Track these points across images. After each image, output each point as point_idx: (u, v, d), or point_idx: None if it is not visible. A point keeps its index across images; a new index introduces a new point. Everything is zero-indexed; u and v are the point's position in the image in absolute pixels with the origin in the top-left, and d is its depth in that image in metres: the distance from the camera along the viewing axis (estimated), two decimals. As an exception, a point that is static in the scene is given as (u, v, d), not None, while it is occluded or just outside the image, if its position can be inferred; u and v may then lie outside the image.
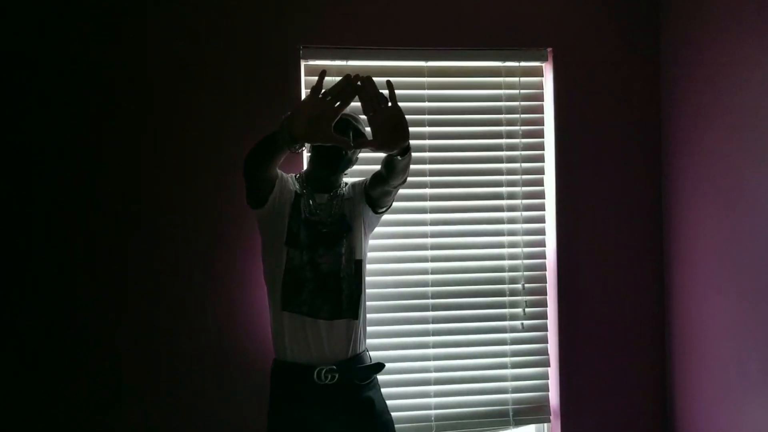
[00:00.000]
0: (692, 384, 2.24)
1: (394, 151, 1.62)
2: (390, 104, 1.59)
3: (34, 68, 2.12)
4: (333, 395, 1.77)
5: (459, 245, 2.34)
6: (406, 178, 1.79)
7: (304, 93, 2.24)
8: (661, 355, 2.38)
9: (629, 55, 2.37)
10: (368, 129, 1.65)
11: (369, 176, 1.89)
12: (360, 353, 1.85)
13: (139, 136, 2.16)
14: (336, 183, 1.90)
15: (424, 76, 2.31)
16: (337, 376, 1.76)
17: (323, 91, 1.53)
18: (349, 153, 1.83)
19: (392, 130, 1.58)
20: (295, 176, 1.92)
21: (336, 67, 2.27)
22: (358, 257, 1.85)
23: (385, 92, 1.60)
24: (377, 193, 1.85)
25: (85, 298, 2.13)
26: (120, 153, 2.16)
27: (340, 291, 1.81)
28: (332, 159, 1.81)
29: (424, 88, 2.32)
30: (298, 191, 1.85)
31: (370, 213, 1.90)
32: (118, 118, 2.15)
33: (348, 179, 1.98)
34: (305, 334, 1.78)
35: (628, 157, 2.37)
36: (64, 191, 2.13)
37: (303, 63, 2.25)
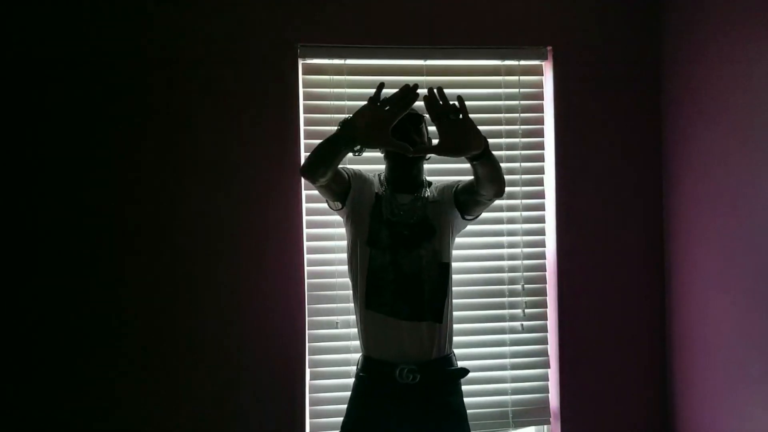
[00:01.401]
0: (693, 385, 2.23)
1: (461, 156, 1.62)
2: (461, 116, 1.59)
3: (32, 70, 2.10)
4: (413, 395, 1.76)
5: (459, 245, 2.32)
6: (499, 190, 1.73)
7: (302, 91, 2.23)
8: (661, 356, 2.37)
9: (629, 55, 2.36)
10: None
11: (463, 181, 1.86)
12: (445, 356, 1.84)
13: (138, 136, 2.15)
14: (417, 183, 1.87)
15: (423, 75, 2.30)
16: (419, 376, 1.76)
17: (381, 100, 1.57)
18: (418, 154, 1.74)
19: (459, 138, 1.58)
20: (380, 176, 1.91)
21: (334, 65, 2.25)
22: (443, 260, 1.84)
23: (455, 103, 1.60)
24: (465, 199, 1.83)
25: (94, 297, 2.13)
26: (119, 153, 2.14)
27: (421, 293, 1.80)
28: (399, 160, 1.80)
29: (423, 87, 2.28)
30: (380, 192, 1.85)
31: (459, 218, 1.88)
32: (117, 117, 2.14)
33: (434, 179, 1.96)
34: (387, 333, 1.79)
35: (629, 157, 2.36)
36: (64, 191, 2.12)
37: (301, 61, 2.23)
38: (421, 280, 1.80)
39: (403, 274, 1.79)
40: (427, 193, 1.88)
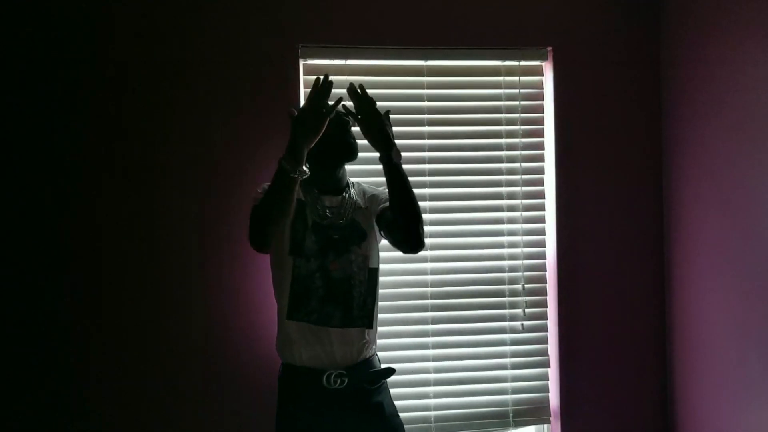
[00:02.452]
0: (693, 384, 2.24)
1: (374, 132, 1.72)
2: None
3: (31, 69, 2.10)
4: (342, 400, 1.74)
5: (459, 245, 2.33)
6: (412, 221, 1.72)
7: (303, 92, 2.23)
8: (661, 356, 2.38)
9: (629, 55, 2.36)
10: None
11: (385, 200, 1.82)
12: (369, 357, 1.82)
13: (137, 136, 2.15)
14: (343, 183, 1.86)
15: (423, 76, 2.30)
16: (346, 380, 1.74)
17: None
18: (350, 139, 1.81)
19: (374, 118, 1.74)
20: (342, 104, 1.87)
21: (335, 66, 2.26)
22: (372, 265, 1.82)
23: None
24: (387, 221, 1.79)
25: (79, 299, 2.12)
26: (118, 153, 2.14)
27: (351, 298, 1.77)
28: (326, 161, 1.80)
29: (423, 88, 2.31)
30: (302, 197, 1.80)
31: (377, 231, 1.86)
32: (116, 117, 2.14)
33: (356, 180, 1.95)
34: (315, 342, 1.75)
35: (629, 157, 2.36)
36: (64, 191, 2.12)
37: (302, 62, 2.23)
38: (351, 285, 1.77)
39: (332, 279, 1.76)
40: (353, 194, 1.86)
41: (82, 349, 2.12)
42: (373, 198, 1.88)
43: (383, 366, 1.85)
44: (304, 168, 1.66)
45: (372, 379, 1.80)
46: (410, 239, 1.75)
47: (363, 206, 1.85)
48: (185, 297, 2.16)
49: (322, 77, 1.68)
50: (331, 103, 1.69)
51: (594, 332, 2.34)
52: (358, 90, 1.75)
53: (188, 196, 2.16)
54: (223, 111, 2.18)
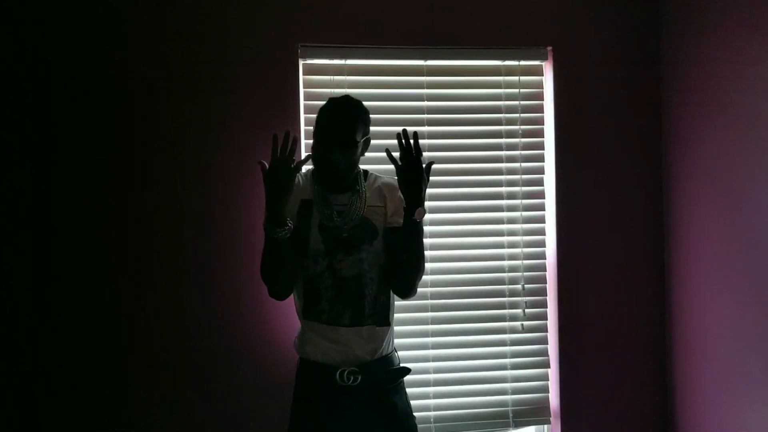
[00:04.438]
0: (693, 385, 2.23)
1: (411, 188, 1.69)
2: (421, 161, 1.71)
3: (32, 68, 2.10)
4: (355, 397, 1.73)
5: (459, 245, 2.33)
6: (417, 271, 1.75)
7: (302, 92, 2.23)
8: (661, 356, 2.37)
9: (629, 55, 2.36)
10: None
11: (401, 209, 1.75)
12: (387, 355, 1.80)
13: (137, 136, 2.15)
14: (351, 180, 1.79)
15: (423, 75, 2.30)
16: (360, 378, 1.73)
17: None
18: (350, 154, 1.72)
19: (416, 173, 1.70)
20: (309, 174, 1.82)
21: (334, 66, 2.25)
22: (383, 262, 1.78)
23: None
24: (387, 239, 1.77)
25: (90, 297, 2.12)
26: (115, 152, 2.14)
27: (362, 297, 1.75)
28: (326, 172, 1.73)
29: (423, 87, 2.30)
30: (310, 196, 1.77)
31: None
32: (115, 117, 2.14)
33: (371, 169, 1.89)
34: (328, 340, 1.75)
35: (629, 157, 2.36)
36: (63, 190, 2.11)
37: (301, 62, 2.23)
38: (361, 284, 1.74)
39: (341, 279, 1.73)
40: (364, 189, 1.79)
41: (95, 350, 2.12)
42: (391, 193, 1.81)
43: (401, 365, 1.84)
44: (288, 225, 1.65)
45: (386, 377, 1.78)
46: (408, 289, 1.79)
47: (377, 204, 1.80)
48: (197, 297, 2.16)
49: (283, 133, 1.63)
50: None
51: (594, 332, 2.34)
52: (411, 139, 1.68)
53: (189, 195, 2.16)
54: (222, 111, 2.17)
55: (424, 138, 2.28)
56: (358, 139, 1.73)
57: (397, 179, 1.72)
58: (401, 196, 1.76)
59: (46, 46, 2.10)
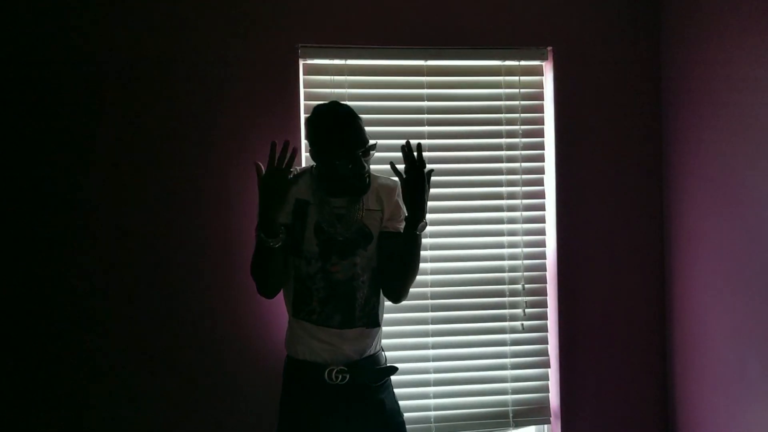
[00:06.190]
0: (693, 384, 2.23)
1: (412, 199, 1.69)
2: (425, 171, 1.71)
3: (30, 68, 2.10)
4: (344, 396, 1.74)
5: (459, 245, 2.33)
6: (411, 278, 1.78)
7: (302, 92, 2.23)
8: (661, 356, 2.37)
9: (629, 55, 2.36)
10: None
11: (398, 212, 1.78)
12: (374, 354, 1.81)
13: (137, 136, 2.15)
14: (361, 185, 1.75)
15: (423, 75, 2.30)
16: (348, 376, 1.74)
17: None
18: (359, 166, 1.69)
19: (419, 185, 1.70)
20: (310, 171, 1.78)
21: (335, 66, 2.26)
22: (375, 264, 1.79)
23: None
24: (381, 250, 1.77)
25: (87, 295, 2.12)
26: (114, 152, 2.14)
27: (353, 300, 1.75)
28: (350, 179, 1.70)
29: (423, 88, 2.30)
30: (308, 198, 1.76)
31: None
32: (115, 117, 2.14)
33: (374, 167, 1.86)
34: (317, 340, 1.75)
35: (629, 157, 2.36)
36: (61, 191, 2.12)
37: (301, 62, 2.23)
38: (353, 287, 1.74)
39: (334, 281, 1.73)
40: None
41: (92, 347, 2.13)
42: (388, 196, 1.80)
43: (387, 364, 1.85)
44: (281, 234, 1.65)
45: (374, 376, 1.79)
46: (401, 294, 1.81)
47: (374, 208, 1.79)
48: (191, 294, 2.16)
49: (283, 143, 1.61)
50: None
51: (594, 332, 2.34)
52: (415, 151, 1.69)
53: (187, 194, 2.16)
54: (222, 111, 2.17)
55: (424, 138, 2.29)
56: (369, 142, 1.73)
57: (402, 191, 1.72)
58: (398, 199, 1.78)
59: (45, 47, 2.10)
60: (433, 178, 2.26)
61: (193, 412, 2.16)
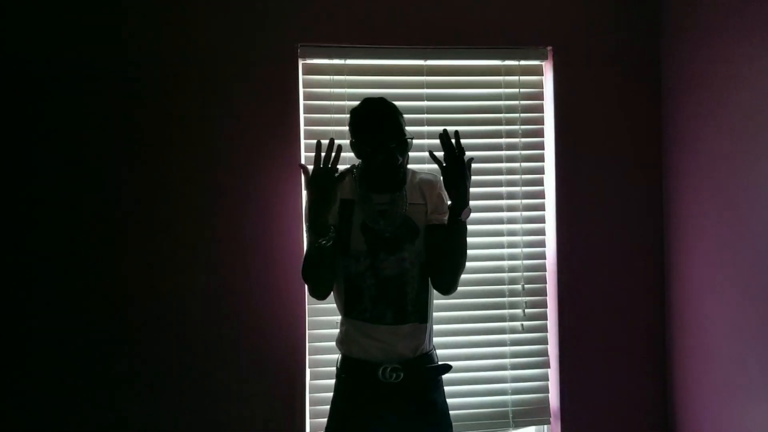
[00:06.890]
0: (693, 385, 2.23)
1: (455, 186, 1.67)
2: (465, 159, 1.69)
3: (31, 70, 2.10)
4: (397, 394, 1.73)
5: (458, 245, 2.32)
6: (460, 269, 1.76)
7: (302, 91, 2.23)
8: (661, 356, 2.37)
9: (629, 55, 2.36)
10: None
11: (442, 205, 1.78)
12: (428, 352, 1.80)
13: (137, 136, 2.15)
14: (398, 181, 1.76)
15: (423, 75, 2.30)
16: (402, 374, 1.73)
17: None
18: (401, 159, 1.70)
19: (459, 172, 1.68)
20: (352, 170, 1.74)
21: (334, 65, 2.25)
22: (424, 259, 1.78)
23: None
24: (428, 244, 1.76)
25: (94, 297, 2.13)
26: (116, 153, 2.14)
27: (404, 295, 1.75)
28: (389, 175, 1.71)
29: (423, 87, 2.30)
30: (351, 195, 1.75)
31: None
32: (114, 118, 2.14)
33: (413, 167, 1.86)
34: (371, 338, 1.74)
35: (629, 157, 2.36)
36: (66, 191, 2.12)
37: (301, 61, 2.23)
38: (403, 283, 1.74)
39: (383, 278, 1.73)
40: (405, 188, 1.77)
41: (108, 345, 2.13)
42: (430, 189, 1.80)
43: (440, 362, 1.84)
44: (332, 233, 1.65)
45: (428, 374, 1.79)
46: (451, 285, 1.79)
47: (418, 201, 1.78)
48: (199, 296, 2.16)
49: (328, 141, 1.61)
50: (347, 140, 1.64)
51: (594, 332, 2.34)
52: (453, 138, 1.67)
53: (188, 194, 2.16)
54: (222, 110, 2.17)
55: (424, 138, 2.29)
56: (408, 136, 1.74)
57: (443, 179, 1.70)
58: (440, 192, 1.78)
59: (48, 47, 2.10)
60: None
61: (198, 414, 2.16)
